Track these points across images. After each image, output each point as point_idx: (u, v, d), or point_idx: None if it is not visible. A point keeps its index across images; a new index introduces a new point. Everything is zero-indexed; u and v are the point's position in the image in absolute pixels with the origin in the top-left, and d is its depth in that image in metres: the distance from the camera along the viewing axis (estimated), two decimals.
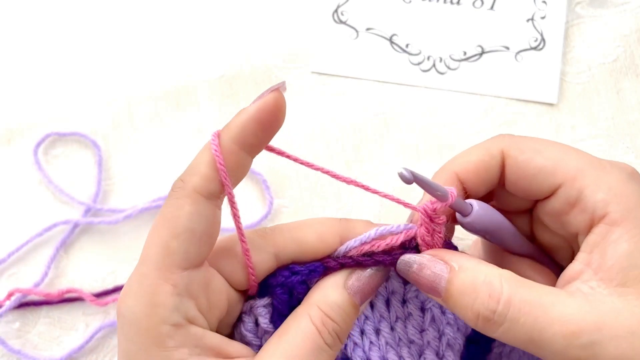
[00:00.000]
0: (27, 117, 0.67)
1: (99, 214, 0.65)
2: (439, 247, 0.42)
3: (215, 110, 0.67)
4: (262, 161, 0.65)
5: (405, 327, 0.44)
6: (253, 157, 0.40)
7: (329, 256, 0.42)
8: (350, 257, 0.41)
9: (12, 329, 0.62)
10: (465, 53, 0.66)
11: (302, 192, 0.65)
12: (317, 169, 0.42)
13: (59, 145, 0.67)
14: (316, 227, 0.43)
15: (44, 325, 0.63)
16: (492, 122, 0.66)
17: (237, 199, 0.64)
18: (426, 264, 0.40)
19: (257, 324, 0.42)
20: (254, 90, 0.66)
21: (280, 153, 0.42)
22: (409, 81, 0.67)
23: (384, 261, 0.41)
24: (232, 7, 0.68)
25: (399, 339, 0.44)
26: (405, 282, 0.44)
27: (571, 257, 0.45)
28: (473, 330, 0.45)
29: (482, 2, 0.67)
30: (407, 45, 0.67)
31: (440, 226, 0.41)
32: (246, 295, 0.43)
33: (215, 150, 0.37)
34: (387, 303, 0.44)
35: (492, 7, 0.67)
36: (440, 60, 0.66)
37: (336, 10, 0.67)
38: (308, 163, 0.42)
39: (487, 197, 0.46)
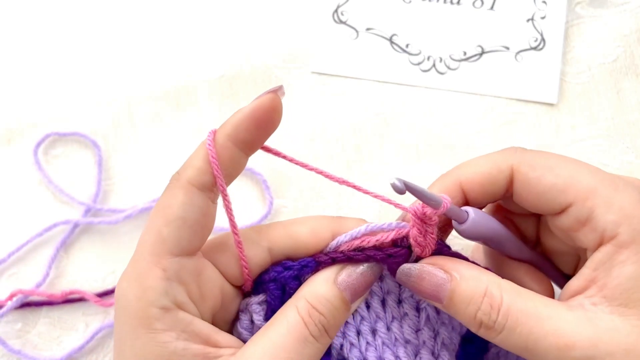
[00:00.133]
0: (27, 117, 0.67)
1: (99, 214, 0.65)
2: (431, 248, 0.42)
3: (215, 110, 0.67)
4: (262, 161, 0.65)
5: (401, 327, 0.44)
6: (248, 155, 0.41)
7: (320, 251, 0.43)
8: (342, 252, 0.42)
9: (13, 329, 0.62)
10: (465, 53, 0.66)
11: (302, 192, 0.65)
12: (311, 169, 0.43)
13: (59, 145, 0.67)
14: (310, 223, 0.44)
15: (44, 325, 0.63)
16: (492, 122, 0.66)
17: (237, 199, 0.64)
18: (426, 274, 0.41)
19: (252, 321, 0.43)
20: (254, 90, 0.66)
21: (276, 153, 0.43)
22: (409, 81, 0.67)
23: (375, 256, 0.41)
24: (232, 7, 0.68)
25: (395, 339, 0.44)
26: None
27: (575, 263, 0.45)
28: (469, 330, 0.45)
29: (482, 2, 0.67)
30: (407, 45, 0.67)
31: (432, 227, 0.41)
32: (243, 292, 0.44)
33: (209, 145, 0.39)
34: (383, 303, 0.44)
35: (492, 7, 0.67)
36: (440, 60, 0.66)
37: (336, 10, 0.67)
38: (302, 163, 0.43)
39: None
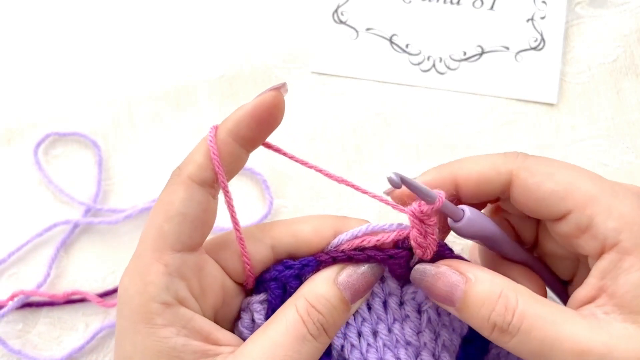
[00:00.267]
0: (27, 117, 0.67)
1: (99, 214, 0.65)
2: (433, 249, 0.42)
3: (215, 110, 0.67)
4: (262, 161, 0.65)
5: (403, 328, 0.44)
6: (249, 151, 0.41)
7: (322, 250, 0.43)
8: (342, 251, 0.42)
9: (13, 329, 0.62)
10: (465, 53, 0.67)
11: (302, 192, 0.65)
12: (311, 166, 0.43)
13: (59, 145, 0.67)
14: (313, 221, 0.44)
15: (44, 325, 0.63)
16: (492, 122, 0.66)
17: (237, 199, 0.64)
18: (442, 274, 0.41)
19: (253, 320, 0.43)
20: (254, 90, 0.66)
21: (277, 150, 0.43)
22: (409, 81, 0.67)
23: (375, 256, 0.41)
24: (232, 7, 0.68)
25: (396, 340, 0.44)
26: (403, 284, 0.44)
27: (574, 268, 0.45)
28: (469, 331, 0.45)
29: (482, 2, 0.67)
30: (407, 45, 0.67)
31: (432, 227, 0.41)
32: (246, 290, 0.44)
33: (210, 141, 0.39)
34: (385, 305, 0.44)
35: (492, 7, 0.67)
36: (440, 60, 0.66)
37: (336, 10, 0.67)
38: (302, 161, 0.43)
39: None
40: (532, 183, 0.41)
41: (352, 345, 0.44)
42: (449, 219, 0.43)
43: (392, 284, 0.44)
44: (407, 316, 0.44)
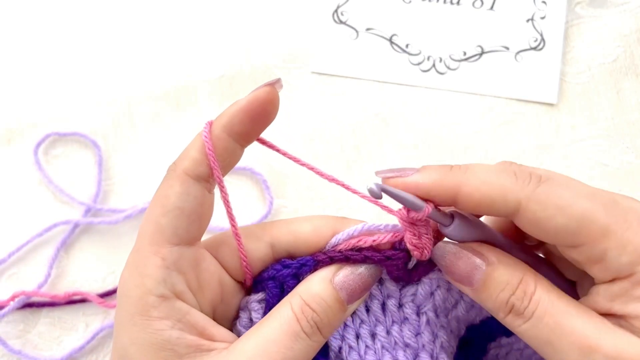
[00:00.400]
0: (27, 117, 0.67)
1: (99, 214, 0.65)
2: (429, 249, 0.42)
3: (215, 110, 0.67)
4: (262, 161, 0.65)
5: (401, 330, 0.44)
6: (243, 146, 0.42)
7: (320, 250, 0.43)
8: (340, 251, 0.42)
9: (13, 329, 0.63)
10: (465, 53, 0.66)
11: (302, 192, 0.65)
12: (303, 164, 0.44)
13: (59, 145, 0.67)
14: (313, 221, 0.44)
15: (44, 325, 0.63)
16: (492, 122, 0.66)
17: (237, 199, 0.64)
18: (464, 254, 0.41)
19: (251, 319, 0.43)
20: None
21: (270, 146, 0.43)
22: (408, 81, 0.67)
23: (372, 257, 0.41)
24: (232, 7, 0.68)
25: (395, 342, 0.44)
26: (401, 287, 0.44)
27: (581, 272, 0.44)
28: (467, 332, 0.45)
29: (482, 2, 0.67)
30: (407, 45, 0.67)
31: (425, 228, 0.41)
32: (245, 288, 0.44)
33: (205, 136, 0.40)
34: (383, 307, 0.44)
35: (492, 7, 0.67)
36: (440, 60, 0.66)
37: (336, 10, 0.67)
38: (295, 158, 0.44)
39: None
40: (542, 217, 0.38)
41: (350, 347, 0.44)
42: (439, 225, 0.43)
43: (390, 286, 0.44)
44: (406, 318, 0.44)
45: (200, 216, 0.41)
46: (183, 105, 0.67)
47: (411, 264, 0.43)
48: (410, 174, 0.41)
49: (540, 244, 0.47)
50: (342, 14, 0.67)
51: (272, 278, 0.43)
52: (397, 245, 0.42)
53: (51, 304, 0.63)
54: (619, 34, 0.66)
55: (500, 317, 0.40)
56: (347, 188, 0.43)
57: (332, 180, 0.43)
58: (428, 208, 0.40)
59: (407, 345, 0.44)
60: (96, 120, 0.67)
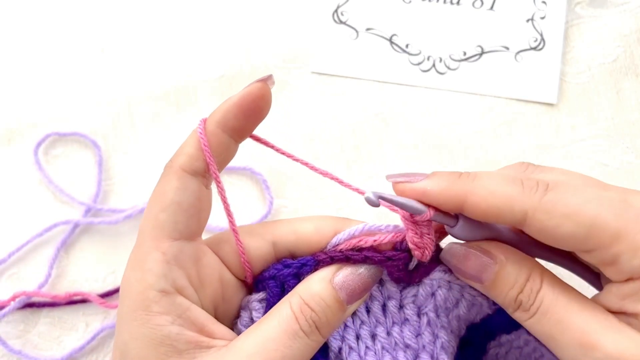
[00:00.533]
0: (27, 117, 0.67)
1: (99, 214, 0.65)
2: (431, 248, 0.42)
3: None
4: (262, 161, 0.65)
5: (402, 331, 0.44)
6: (237, 142, 0.42)
7: (321, 250, 0.43)
8: (340, 251, 0.42)
9: (14, 329, 0.63)
10: (465, 53, 0.66)
11: (302, 192, 0.65)
12: (296, 159, 0.44)
13: (59, 145, 0.67)
14: (315, 221, 0.45)
15: (45, 325, 0.63)
16: (492, 122, 0.66)
17: (237, 199, 0.64)
18: (472, 254, 0.41)
19: (252, 318, 0.43)
20: None
21: (264, 143, 0.44)
22: (408, 81, 0.67)
23: (373, 257, 0.42)
24: (232, 7, 0.68)
25: (395, 343, 0.44)
26: (402, 288, 0.44)
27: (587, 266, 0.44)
28: (467, 332, 0.45)
29: (482, 2, 0.67)
30: (407, 45, 0.67)
31: (427, 228, 0.41)
32: (247, 287, 0.45)
33: (200, 132, 0.41)
34: (384, 308, 0.44)
35: (492, 7, 0.67)
36: (440, 60, 0.66)
37: (336, 11, 0.67)
38: (288, 154, 0.44)
39: None
40: (550, 225, 0.38)
41: (350, 348, 0.44)
42: (445, 225, 0.43)
43: (391, 287, 0.44)
44: (407, 319, 0.45)
45: (198, 211, 0.41)
46: (183, 105, 0.67)
47: (412, 265, 0.43)
48: (420, 180, 0.41)
49: None
50: (342, 14, 0.67)
51: (273, 277, 0.43)
52: (398, 246, 0.42)
53: (51, 304, 0.63)
54: (619, 34, 0.66)
55: (509, 312, 0.41)
56: (341, 182, 0.44)
57: (326, 175, 0.44)
58: (429, 212, 0.40)
59: (407, 346, 0.44)
60: (96, 120, 0.67)
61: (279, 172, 0.65)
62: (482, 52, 0.66)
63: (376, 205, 0.39)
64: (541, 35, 0.66)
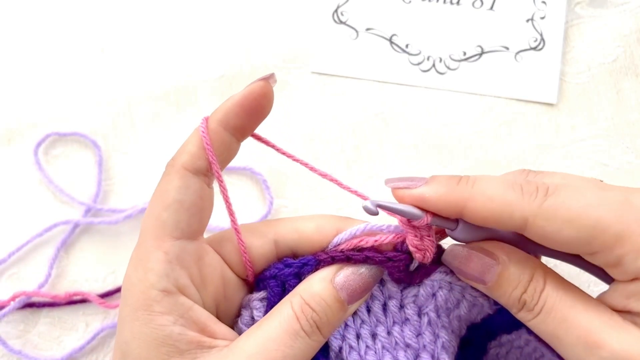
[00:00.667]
0: (27, 117, 0.67)
1: (99, 214, 0.65)
2: (432, 250, 0.42)
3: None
4: (262, 161, 0.65)
5: (402, 331, 0.44)
6: (239, 140, 0.42)
7: (322, 250, 0.43)
8: (341, 251, 0.42)
9: (14, 329, 0.63)
10: (465, 53, 0.66)
11: (302, 192, 0.65)
12: (296, 160, 0.44)
13: (59, 145, 0.67)
14: (317, 220, 0.45)
15: (45, 325, 0.63)
16: (492, 122, 0.66)
17: (237, 199, 0.64)
18: (475, 255, 0.41)
19: (253, 317, 0.43)
20: None
21: (265, 142, 0.44)
22: (408, 81, 0.67)
23: (374, 258, 0.42)
24: (232, 7, 0.68)
25: (396, 342, 0.44)
26: (403, 288, 0.44)
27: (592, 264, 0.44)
28: (467, 331, 0.45)
29: (482, 2, 0.67)
30: (407, 45, 0.67)
31: (427, 230, 0.41)
32: (248, 285, 0.45)
33: (202, 131, 0.41)
34: (384, 307, 0.44)
35: (491, 8, 0.67)
36: (440, 60, 0.66)
37: (336, 11, 0.67)
38: (289, 154, 0.44)
39: None
40: (551, 231, 0.38)
41: (351, 347, 0.44)
42: (446, 229, 0.43)
43: (392, 287, 0.44)
44: (407, 319, 0.45)
45: (200, 209, 0.41)
46: (183, 105, 0.67)
47: (413, 266, 0.43)
48: (419, 185, 0.41)
49: None
50: (342, 14, 0.67)
51: (274, 277, 0.43)
52: (399, 247, 0.42)
53: (51, 304, 0.63)
54: (619, 34, 0.66)
55: (513, 312, 0.41)
56: (340, 184, 0.44)
57: (325, 176, 0.44)
58: (427, 218, 0.40)
59: (408, 345, 0.44)
60: (96, 120, 0.67)
61: (279, 172, 0.65)
62: (482, 52, 0.66)
63: (375, 213, 0.39)
64: (541, 35, 0.66)
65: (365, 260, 0.42)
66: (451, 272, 0.44)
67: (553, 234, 0.38)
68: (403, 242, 0.42)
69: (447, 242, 0.45)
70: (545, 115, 0.66)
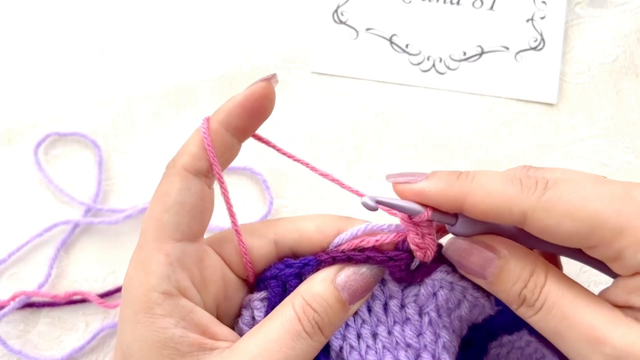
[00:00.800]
0: (27, 117, 0.67)
1: (99, 214, 0.65)
2: (433, 249, 0.42)
3: (215, 110, 0.67)
4: (262, 161, 0.65)
5: (403, 330, 0.44)
6: (241, 141, 0.42)
7: (323, 250, 0.43)
8: (342, 251, 0.42)
9: (14, 329, 0.63)
10: (465, 53, 0.67)
11: (302, 192, 0.65)
12: (297, 160, 0.44)
13: (59, 145, 0.67)
14: (317, 219, 0.45)
15: (45, 325, 0.63)
16: (492, 122, 0.66)
17: (237, 199, 0.64)
18: (476, 249, 0.41)
19: (253, 317, 0.43)
20: None
21: (266, 142, 0.44)
22: (408, 81, 0.67)
23: (375, 258, 0.42)
24: (232, 7, 0.68)
25: (396, 342, 0.44)
26: (404, 287, 0.44)
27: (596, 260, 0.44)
28: (468, 331, 0.45)
29: (482, 2, 0.67)
30: (407, 45, 0.67)
31: (428, 228, 0.41)
32: (248, 285, 0.45)
33: (204, 132, 0.40)
34: (385, 307, 0.44)
35: (491, 8, 0.67)
36: (440, 60, 0.66)
37: (336, 11, 0.67)
38: (289, 154, 0.44)
39: None
40: (550, 224, 0.38)
41: (351, 347, 0.44)
42: (446, 225, 0.43)
43: (393, 287, 0.44)
44: (408, 319, 0.45)
45: (201, 211, 0.41)
46: (183, 105, 0.67)
47: (414, 265, 0.43)
48: (419, 180, 0.41)
49: None
50: (342, 14, 0.67)
51: (275, 277, 0.43)
52: (400, 246, 0.42)
53: (51, 304, 0.63)
54: (619, 34, 0.66)
55: (513, 308, 0.40)
56: (341, 184, 0.44)
57: (326, 176, 0.44)
58: (427, 213, 0.40)
59: (408, 345, 0.44)
60: (96, 120, 0.67)
61: (279, 172, 0.65)
62: (482, 52, 0.66)
63: (374, 209, 0.39)
64: (541, 35, 0.66)
65: (366, 260, 0.42)
66: (452, 271, 0.43)
67: (552, 228, 0.38)
68: (404, 241, 0.42)
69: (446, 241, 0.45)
70: (545, 115, 0.66)
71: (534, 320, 0.39)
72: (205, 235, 0.43)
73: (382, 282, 0.44)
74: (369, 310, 0.44)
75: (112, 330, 0.63)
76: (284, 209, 0.65)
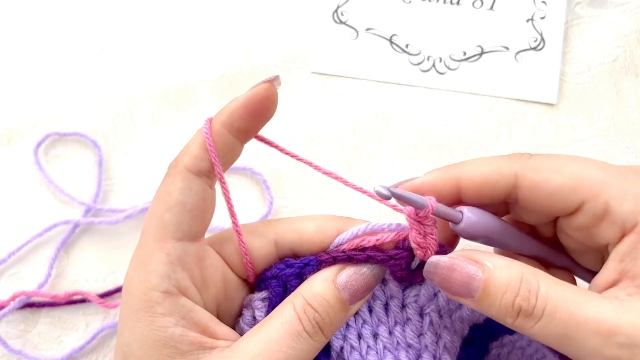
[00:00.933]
0: (27, 117, 0.67)
1: (99, 214, 0.65)
2: (433, 249, 0.42)
3: (215, 110, 0.66)
4: (262, 161, 0.65)
5: (404, 331, 0.44)
6: (243, 142, 0.42)
7: (324, 250, 0.43)
8: (343, 251, 0.42)
9: (14, 329, 0.63)
10: (465, 53, 0.67)
11: (302, 192, 0.65)
12: (300, 159, 0.44)
13: (59, 145, 0.67)
14: (317, 220, 0.45)
15: (45, 325, 0.63)
16: (492, 122, 0.66)
17: (237, 199, 0.64)
18: (457, 265, 0.39)
19: (254, 317, 0.43)
20: None
21: (269, 143, 0.44)
22: (408, 81, 0.67)
23: (375, 257, 0.42)
24: (232, 7, 0.68)
25: (397, 342, 0.44)
26: (404, 287, 0.44)
27: (599, 260, 0.44)
28: (470, 332, 0.45)
29: (482, 2, 0.67)
30: (407, 46, 0.67)
31: (430, 227, 0.41)
32: (249, 285, 0.45)
33: (206, 133, 0.41)
34: (386, 307, 0.44)
35: (491, 8, 0.67)
36: (440, 60, 0.67)
37: (336, 10, 0.67)
38: (292, 154, 0.44)
39: (501, 211, 0.46)
40: (540, 180, 0.40)
41: (352, 347, 0.44)
42: (449, 223, 0.43)
43: (393, 287, 0.44)
44: (409, 319, 0.45)
45: (202, 211, 0.41)
46: (183, 105, 0.67)
47: (414, 264, 0.43)
48: (418, 177, 0.44)
49: (554, 237, 0.46)
50: (342, 14, 0.67)
51: (275, 277, 0.43)
52: (401, 245, 0.42)
53: (51, 304, 0.63)
54: (619, 34, 0.66)
55: (508, 322, 0.38)
56: (346, 183, 0.44)
57: (330, 174, 0.44)
58: (431, 203, 0.40)
59: (409, 345, 0.44)
60: (96, 120, 0.67)
61: (279, 172, 0.65)
62: (482, 52, 0.66)
63: (388, 197, 0.39)
64: (541, 35, 0.66)
65: (367, 260, 0.42)
66: None
67: (542, 183, 0.40)
68: (405, 240, 0.42)
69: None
70: (545, 115, 0.66)
71: (537, 330, 0.37)
72: (206, 235, 0.44)
73: (383, 282, 0.44)
74: (370, 310, 0.44)
75: (112, 330, 0.63)
76: (284, 209, 0.65)
